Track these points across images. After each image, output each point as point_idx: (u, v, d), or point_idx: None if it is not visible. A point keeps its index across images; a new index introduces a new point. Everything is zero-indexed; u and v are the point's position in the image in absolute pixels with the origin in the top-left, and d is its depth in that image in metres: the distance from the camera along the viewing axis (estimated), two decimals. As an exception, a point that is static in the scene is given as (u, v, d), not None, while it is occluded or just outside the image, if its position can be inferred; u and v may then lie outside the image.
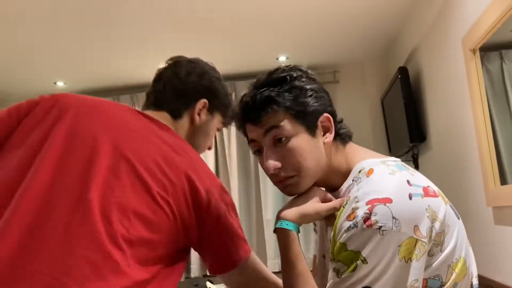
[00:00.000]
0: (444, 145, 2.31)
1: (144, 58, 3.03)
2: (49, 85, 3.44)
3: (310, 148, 0.92)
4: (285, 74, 0.94)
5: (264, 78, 0.95)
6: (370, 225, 0.79)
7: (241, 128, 0.99)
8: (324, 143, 0.94)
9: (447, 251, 0.83)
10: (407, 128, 2.61)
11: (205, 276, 3.31)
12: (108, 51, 2.88)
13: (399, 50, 2.99)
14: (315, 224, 1.15)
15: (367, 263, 0.79)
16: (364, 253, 0.79)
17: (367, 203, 0.81)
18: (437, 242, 0.83)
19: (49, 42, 2.67)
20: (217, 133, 3.38)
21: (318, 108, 0.93)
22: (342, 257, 0.81)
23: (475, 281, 0.91)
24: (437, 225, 0.82)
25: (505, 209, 1.66)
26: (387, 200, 0.80)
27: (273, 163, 0.91)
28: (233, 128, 3.56)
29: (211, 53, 3.02)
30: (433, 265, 0.83)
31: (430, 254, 0.82)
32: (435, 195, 0.85)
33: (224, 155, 3.40)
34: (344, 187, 0.93)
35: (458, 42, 1.92)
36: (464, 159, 2.03)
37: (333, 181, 0.97)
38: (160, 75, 1.18)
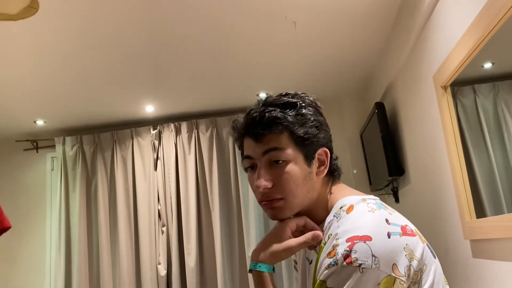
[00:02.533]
0: (422, 179, 2.34)
1: (124, 96, 3.05)
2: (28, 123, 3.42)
3: (304, 176, 0.93)
4: (296, 100, 0.95)
5: (274, 98, 0.96)
6: (350, 263, 0.80)
7: (239, 140, 1.00)
8: (316, 175, 0.95)
9: None
10: (386, 162, 2.65)
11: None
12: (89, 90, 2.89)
13: (376, 86, 3.07)
14: (295, 262, 1.15)
15: None
16: None
17: (347, 240, 0.82)
18: (414, 280, 0.84)
19: (31, 80, 2.68)
20: (198, 167, 3.39)
21: (319, 140, 0.95)
22: None
23: None
24: (414, 263, 0.83)
25: (482, 242, 1.68)
26: (366, 238, 0.82)
27: (264, 182, 0.92)
28: (214, 160, 3.56)
29: (190, 89, 3.06)
30: None
31: None
32: (412, 234, 0.87)
33: (205, 190, 3.38)
34: (326, 222, 0.94)
35: (429, 79, 1.98)
36: (441, 193, 2.06)
37: (316, 215, 0.98)
38: None
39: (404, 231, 0.86)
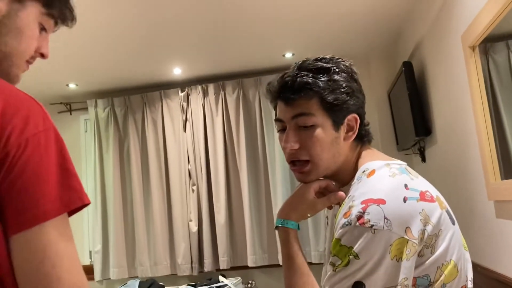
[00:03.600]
0: (448, 139, 2.34)
1: (153, 59, 3.10)
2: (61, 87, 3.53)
3: (330, 141, 0.96)
4: (330, 65, 0.97)
5: (309, 63, 0.99)
6: (363, 223, 0.84)
7: (273, 103, 1.04)
8: (344, 140, 0.98)
9: (437, 253, 0.88)
10: (413, 122, 2.64)
11: (217, 270, 3.39)
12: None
13: (404, 45, 3.01)
14: (327, 218, 1.20)
15: (359, 258, 0.84)
16: (356, 249, 0.84)
17: (361, 202, 0.87)
18: (428, 244, 0.87)
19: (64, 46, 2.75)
20: (225, 128, 3.47)
21: (349, 107, 0.96)
22: (336, 251, 0.87)
23: (470, 285, 0.94)
24: (429, 228, 0.87)
25: (506, 203, 1.69)
26: (380, 201, 0.85)
27: (292, 143, 0.96)
28: (241, 122, 3.61)
29: (216, 50, 3.08)
30: (423, 265, 0.88)
31: (420, 255, 0.87)
32: (431, 200, 0.90)
33: (233, 150, 3.46)
34: (352, 185, 0.98)
35: (458, 39, 1.94)
36: (466, 154, 2.06)
37: (342, 178, 1.02)
38: None
39: (423, 197, 0.89)
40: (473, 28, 1.72)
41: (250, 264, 3.32)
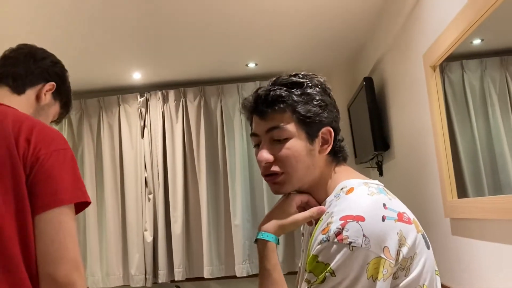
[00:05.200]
0: (407, 155, 2.38)
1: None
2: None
3: (305, 153, 0.97)
4: (304, 80, 0.99)
5: (284, 78, 1.01)
6: (341, 240, 0.83)
7: (249, 118, 1.05)
8: (319, 153, 0.99)
9: (411, 276, 0.87)
10: (372, 136, 2.68)
11: (172, 281, 3.30)
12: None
13: (366, 60, 3.06)
14: (303, 235, 1.19)
15: (335, 276, 0.83)
16: (333, 266, 0.83)
17: (340, 219, 0.86)
18: (402, 266, 0.87)
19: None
20: (185, 136, 3.39)
21: (322, 120, 0.97)
22: (313, 267, 0.86)
23: None
24: (404, 250, 0.86)
25: (461, 221, 1.73)
26: (360, 218, 0.85)
27: (266, 156, 0.97)
28: (202, 129, 3.57)
29: (178, 56, 3.02)
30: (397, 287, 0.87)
31: (395, 277, 0.87)
32: (408, 222, 0.90)
33: (192, 159, 3.40)
34: (327, 201, 0.97)
35: (419, 57, 1.98)
36: (424, 171, 2.10)
37: (318, 193, 1.01)
38: (14, 54, 1.24)
39: (400, 218, 0.89)
40: (435, 48, 1.76)
41: (206, 275, 3.26)
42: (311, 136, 0.97)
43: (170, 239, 3.33)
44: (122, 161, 3.42)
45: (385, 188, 0.98)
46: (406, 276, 0.87)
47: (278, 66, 3.27)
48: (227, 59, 3.11)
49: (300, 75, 1.00)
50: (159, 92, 3.47)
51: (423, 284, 0.89)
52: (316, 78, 1.01)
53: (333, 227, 0.86)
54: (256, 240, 0.99)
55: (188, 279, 3.32)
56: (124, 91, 3.52)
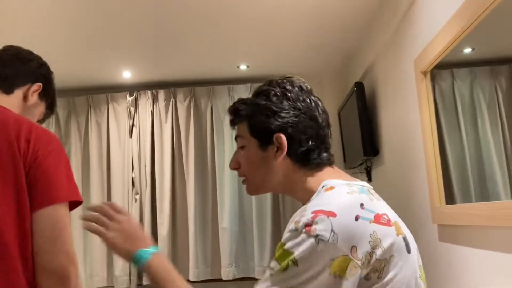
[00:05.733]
0: (396, 161, 2.38)
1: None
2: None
3: (258, 160, 1.02)
4: (261, 89, 1.04)
5: (260, 85, 1.07)
6: (309, 231, 0.84)
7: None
8: (275, 158, 1.00)
9: (386, 279, 0.85)
10: (361, 142, 2.68)
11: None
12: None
13: (357, 65, 3.07)
14: None
15: (297, 266, 0.83)
16: (297, 256, 0.84)
17: (312, 212, 0.87)
18: (376, 268, 0.85)
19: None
20: (174, 136, 3.37)
21: (270, 127, 0.99)
22: (278, 255, 0.87)
23: None
24: (378, 251, 0.85)
25: (449, 227, 1.73)
26: (331, 214, 0.85)
27: (232, 164, 1.07)
28: (191, 131, 3.55)
29: (168, 56, 3.00)
30: None
31: (367, 278, 0.85)
32: (387, 224, 0.88)
33: (181, 160, 3.37)
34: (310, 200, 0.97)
35: (410, 63, 1.99)
36: (413, 177, 2.10)
37: (298, 196, 1.02)
38: (1, 55, 1.28)
39: (377, 219, 0.87)
40: (426, 53, 1.76)
41: (192, 278, 3.22)
42: (262, 144, 1.01)
43: (156, 240, 3.29)
44: (110, 161, 3.38)
45: (370, 190, 0.96)
46: (379, 278, 0.85)
47: (269, 69, 3.26)
48: (219, 61, 3.09)
49: (265, 85, 1.05)
50: (149, 92, 3.44)
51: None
52: (278, 83, 1.03)
53: (304, 219, 0.86)
54: (142, 267, 0.98)
55: (173, 282, 3.28)
56: (113, 90, 3.49)
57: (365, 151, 2.68)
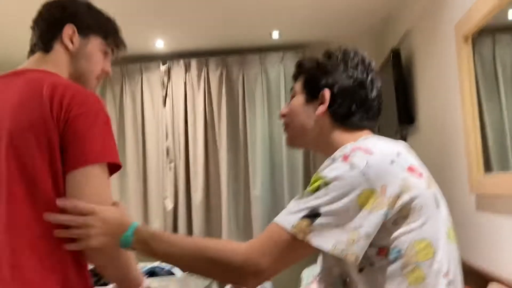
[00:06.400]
0: (432, 129, 2.33)
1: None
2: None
3: (301, 111, 1.08)
4: (328, 51, 1.11)
5: (329, 48, 1.13)
6: (345, 159, 0.90)
7: None
8: (316, 112, 1.05)
9: (412, 226, 0.88)
10: (396, 110, 2.63)
11: None
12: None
13: (394, 31, 2.97)
14: None
15: (327, 186, 0.88)
16: (328, 178, 0.89)
17: (351, 148, 0.92)
18: (403, 214, 0.88)
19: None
20: (206, 105, 3.38)
21: (319, 83, 1.06)
22: (312, 180, 0.92)
23: (443, 281, 0.89)
24: (406, 197, 0.88)
25: (487, 196, 1.69)
26: (369, 152, 0.91)
27: (282, 110, 1.14)
28: (223, 100, 3.54)
29: (201, 25, 2.98)
30: (395, 233, 0.88)
31: (395, 223, 0.88)
32: (418, 176, 0.92)
33: (213, 128, 3.40)
34: None
35: (451, 28, 1.91)
36: (450, 145, 2.05)
37: (327, 152, 1.03)
38: (35, 19, 1.18)
39: (411, 170, 0.92)
40: (469, 17, 1.69)
41: (225, 244, 3.29)
42: (309, 97, 1.08)
43: (190, 208, 3.36)
44: (144, 130, 3.44)
45: (410, 150, 1.00)
46: (406, 224, 0.88)
47: (303, 35, 3.20)
48: (251, 28, 3.06)
49: (337, 47, 1.11)
50: (182, 61, 3.45)
51: (425, 238, 0.88)
52: (347, 51, 1.09)
53: (341, 153, 0.92)
54: (132, 247, 0.99)
55: (207, 248, 3.36)
56: (146, 60, 3.51)
57: (400, 119, 2.62)
